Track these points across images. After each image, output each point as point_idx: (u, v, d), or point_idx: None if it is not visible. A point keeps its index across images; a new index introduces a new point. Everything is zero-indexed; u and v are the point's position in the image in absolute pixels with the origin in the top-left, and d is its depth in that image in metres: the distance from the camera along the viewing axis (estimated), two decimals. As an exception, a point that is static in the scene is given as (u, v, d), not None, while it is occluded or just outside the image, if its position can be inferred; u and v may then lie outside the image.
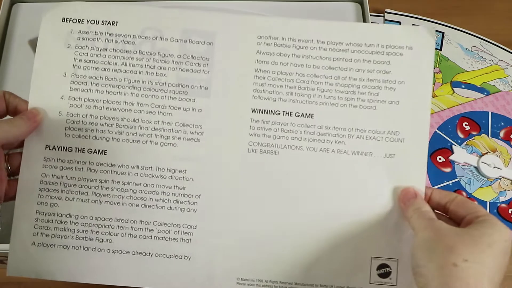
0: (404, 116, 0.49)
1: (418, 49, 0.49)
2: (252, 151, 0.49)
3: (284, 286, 0.49)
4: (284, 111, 0.49)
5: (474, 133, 0.71)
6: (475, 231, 0.43)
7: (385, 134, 0.49)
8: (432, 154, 0.69)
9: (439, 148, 0.70)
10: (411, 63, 0.49)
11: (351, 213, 0.49)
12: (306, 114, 0.49)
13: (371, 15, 0.71)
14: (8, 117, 0.50)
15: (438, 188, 0.66)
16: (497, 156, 0.70)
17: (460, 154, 0.69)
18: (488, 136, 0.71)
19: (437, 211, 0.48)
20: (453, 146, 0.70)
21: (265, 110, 0.49)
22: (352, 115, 0.49)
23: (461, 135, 0.71)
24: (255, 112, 0.49)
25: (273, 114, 0.49)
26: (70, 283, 0.62)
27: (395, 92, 0.49)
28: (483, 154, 0.70)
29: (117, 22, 0.50)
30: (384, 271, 0.49)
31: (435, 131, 0.71)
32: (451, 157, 0.69)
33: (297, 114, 0.49)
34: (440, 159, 0.69)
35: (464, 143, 0.70)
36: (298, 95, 0.49)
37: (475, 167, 0.69)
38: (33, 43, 0.68)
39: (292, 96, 0.49)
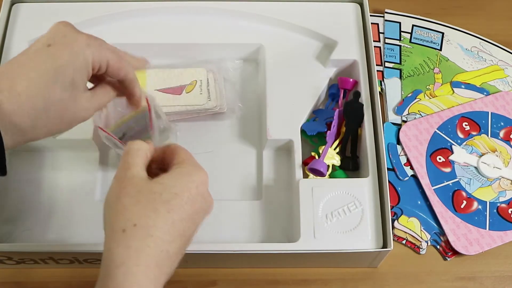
0: None
1: None
2: None
3: None
4: None
5: (474, 133, 0.71)
6: (159, 185, 0.42)
7: None
8: (432, 154, 0.69)
9: (439, 148, 0.70)
10: None
11: None
12: None
13: (371, 15, 0.71)
14: None
15: (437, 188, 0.66)
16: (497, 156, 0.69)
17: (460, 154, 0.69)
18: (488, 136, 0.71)
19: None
20: (453, 146, 0.70)
21: None
22: None
23: (461, 135, 0.71)
24: None
25: None
26: (71, 283, 0.62)
27: None
28: (483, 154, 0.70)
29: None
30: None
31: (435, 131, 0.71)
32: (451, 157, 0.69)
33: None
34: (440, 159, 0.69)
35: (464, 143, 0.70)
36: None
37: (475, 167, 0.69)
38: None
39: None
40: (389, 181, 0.65)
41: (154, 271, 0.40)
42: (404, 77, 0.75)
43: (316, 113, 0.67)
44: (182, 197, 0.42)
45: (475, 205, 0.66)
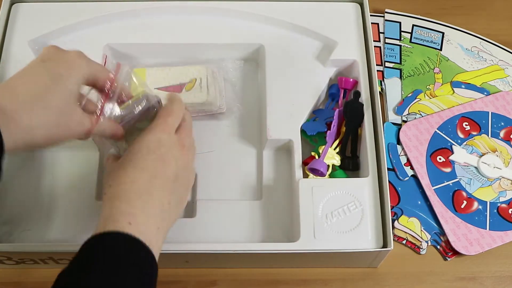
0: None
1: None
2: None
3: None
4: None
5: (474, 133, 0.71)
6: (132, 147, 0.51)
7: None
8: (432, 154, 0.69)
9: (439, 148, 0.70)
10: None
11: None
12: None
13: (371, 15, 0.71)
14: None
15: (438, 188, 0.66)
16: (497, 156, 0.69)
17: (460, 154, 0.69)
18: (488, 136, 0.71)
19: None
20: (453, 146, 0.70)
21: None
22: None
23: (461, 135, 0.71)
24: None
25: None
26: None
27: None
28: (483, 154, 0.69)
29: None
30: None
31: (435, 131, 0.71)
32: (451, 157, 0.69)
33: None
34: (440, 159, 0.69)
35: (464, 143, 0.70)
36: None
37: (475, 167, 0.69)
38: (32, 44, 0.68)
39: None
40: (389, 181, 0.65)
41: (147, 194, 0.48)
42: (404, 77, 0.75)
43: (316, 113, 0.67)
44: (142, 151, 0.50)
45: (475, 205, 0.66)
